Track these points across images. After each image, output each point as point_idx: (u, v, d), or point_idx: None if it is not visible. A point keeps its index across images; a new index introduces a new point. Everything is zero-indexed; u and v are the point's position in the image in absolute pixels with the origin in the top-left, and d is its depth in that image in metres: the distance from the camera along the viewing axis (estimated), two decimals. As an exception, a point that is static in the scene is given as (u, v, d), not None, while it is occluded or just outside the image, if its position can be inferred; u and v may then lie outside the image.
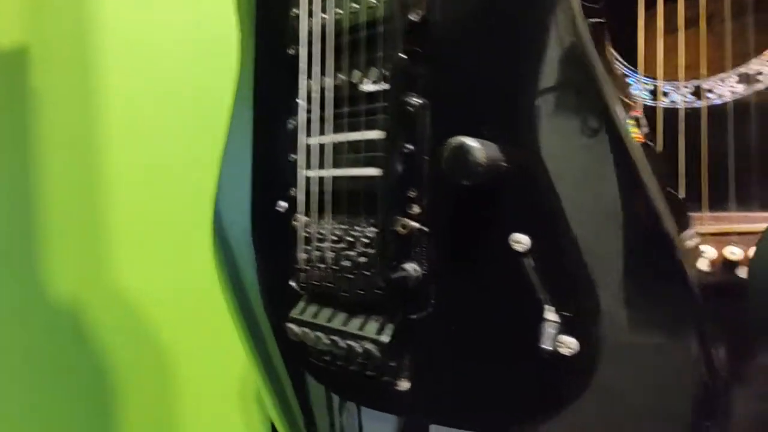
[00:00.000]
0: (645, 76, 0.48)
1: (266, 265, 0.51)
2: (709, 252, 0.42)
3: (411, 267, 0.38)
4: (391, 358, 0.39)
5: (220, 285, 0.55)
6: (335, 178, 0.42)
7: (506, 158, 0.33)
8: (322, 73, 0.42)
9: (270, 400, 0.54)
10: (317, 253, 0.43)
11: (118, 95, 0.68)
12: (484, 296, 0.35)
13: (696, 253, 0.41)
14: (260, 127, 0.51)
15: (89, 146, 0.68)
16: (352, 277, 0.40)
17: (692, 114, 0.45)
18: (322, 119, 0.43)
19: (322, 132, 0.43)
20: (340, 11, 0.41)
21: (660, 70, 0.47)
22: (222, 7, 0.55)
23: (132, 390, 0.70)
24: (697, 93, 0.46)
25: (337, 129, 0.42)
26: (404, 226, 0.38)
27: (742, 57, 0.44)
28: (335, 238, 0.42)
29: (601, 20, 0.34)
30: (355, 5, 0.40)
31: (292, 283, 0.46)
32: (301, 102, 0.44)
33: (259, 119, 0.51)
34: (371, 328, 0.39)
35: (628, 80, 0.48)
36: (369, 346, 0.38)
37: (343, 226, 0.41)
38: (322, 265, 0.42)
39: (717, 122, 0.44)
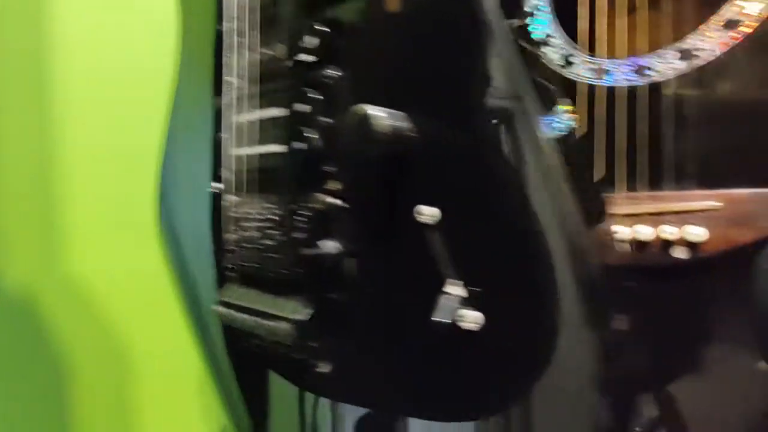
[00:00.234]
0: (588, 55, 0.47)
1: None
2: (645, 231, 0.41)
3: (331, 245, 0.37)
4: (311, 338, 0.38)
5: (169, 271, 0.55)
6: (261, 156, 0.41)
7: (414, 128, 0.32)
8: (249, 48, 0.42)
9: (215, 387, 0.54)
10: (245, 233, 0.42)
11: (71, 81, 0.67)
12: (397, 273, 0.34)
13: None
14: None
15: (42, 134, 0.67)
16: (275, 256, 0.39)
17: (632, 92, 0.44)
18: (250, 96, 0.42)
19: (250, 109, 0.42)
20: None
21: (602, 49, 0.46)
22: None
23: (88, 379, 0.69)
24: (639, 71, 0.45)
25: (264, 105, 0.41)
26: (322, 202, 0.37)
27: (680, 33, 0.43)
28: (261, 218, 0.41)
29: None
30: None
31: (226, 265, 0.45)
32: (230, 79, 0.43)
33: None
34: (290, 308, 0.38)
35: (572, 59, 0.47)
36: (287, 326, 0.37)
37: (268, 205, 0.40)
38: (250, 245, 0.42)
39: (656, 100, 0.43)
